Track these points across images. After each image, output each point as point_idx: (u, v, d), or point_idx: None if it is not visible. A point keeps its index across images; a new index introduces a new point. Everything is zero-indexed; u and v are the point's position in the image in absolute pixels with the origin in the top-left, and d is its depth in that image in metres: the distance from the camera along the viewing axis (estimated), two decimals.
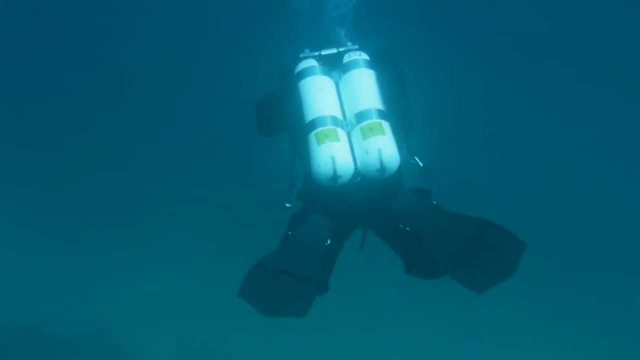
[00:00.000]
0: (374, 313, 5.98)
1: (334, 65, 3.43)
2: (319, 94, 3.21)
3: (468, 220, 2.83)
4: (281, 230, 3.25)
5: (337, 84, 3.33)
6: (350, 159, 3.01)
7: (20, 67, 8.37)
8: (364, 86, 3.24)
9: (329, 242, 3.05)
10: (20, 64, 8.35)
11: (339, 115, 3.16)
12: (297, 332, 6.13)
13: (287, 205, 3.31)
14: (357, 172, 3.03)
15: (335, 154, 2.97)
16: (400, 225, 3.06)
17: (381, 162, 2.97)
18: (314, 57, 3.51)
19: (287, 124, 3.40)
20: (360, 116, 3.11)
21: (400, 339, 6.18)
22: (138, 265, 7.22)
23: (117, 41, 8.11)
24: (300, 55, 3.54)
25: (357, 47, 3.60)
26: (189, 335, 6.72)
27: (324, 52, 3.58)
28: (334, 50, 3.58)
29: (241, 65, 7.10)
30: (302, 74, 3.30)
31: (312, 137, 3.06)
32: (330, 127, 3.06)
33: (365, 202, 3.11)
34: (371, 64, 3.36)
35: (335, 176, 2.97)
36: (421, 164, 3.27)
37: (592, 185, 6.34)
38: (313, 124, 3.09)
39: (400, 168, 3.08)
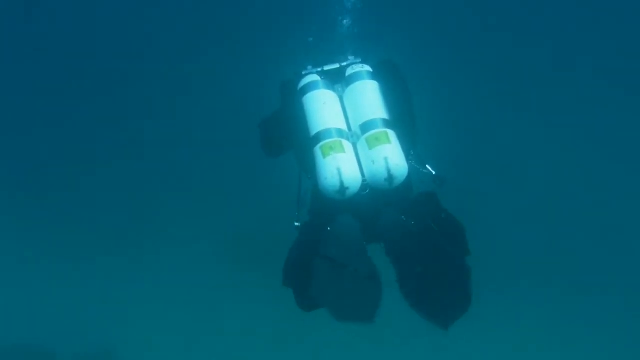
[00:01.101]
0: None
1: (337, 80, 3.45)
2: (323, 107, 3.21)
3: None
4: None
5: (340, 97, 3.34)
6: (356, 169, 2.98)
7: (18, 75, 8.40)
8: (367, 97, 3.24)
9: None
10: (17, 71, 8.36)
11: (344, 127, 3.16)
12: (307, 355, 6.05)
13: (296, 224, 3.25)
14: (365, 184, 3.00)
15: (341, 166, 2.94)
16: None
17: (388, 171, 2.94)
18: (316, 72, 3.54)
19: (292, 142, 3.40)
20: (366, 127, 3.10)
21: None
22: (144, 283, 7.14)
23: (122, 51, 8.16)
24: (303, 72, 3.56)
25: (359, 60, 3.62)
26: (194, 355, 6.64)
27: (326, 68, 3.60)
28: (337, 65, 3.61)
29: (249, 78, 7.11)
30: (305, 89, 3.31)
31: (317, 150, 3.05)
32: (335, 139, 3.05)
33: (376, 214, 3.06)
34: (374, 75, 3.37)
35: (342, 188, 2.93)
36: (433, 172, 3.23)
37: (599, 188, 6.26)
38: (318, 137, 3.08)
39: (409, 177, 3.05)
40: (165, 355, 6.66)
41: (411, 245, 2.93)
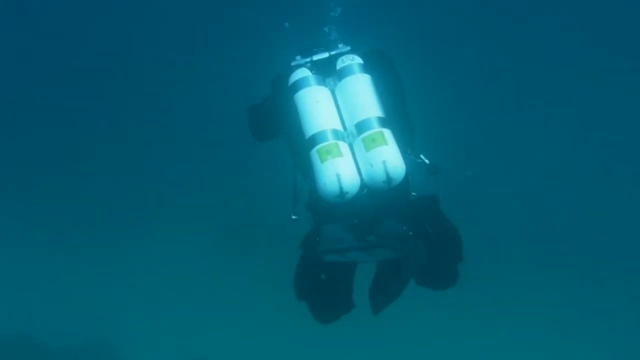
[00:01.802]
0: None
1: (328, 71, 3.32)
2: (316, 106, 3.10)
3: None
4: (287, 240, 3.22)
5: (332, 92, 3.23)
6: (355, 173, 2.93)
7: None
8: (361, 93, 3.14)
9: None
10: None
11: (339, 127, 3.07)
12: (304, 345, 6.12)
13: (293, 217, 3.23)
14: (363, 185, 2.95)
15: (340, 171, 2.89)
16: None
17: (387, 174, 2.90)
18: (306, 64, 3.40)
19: (283, 133, 3.35)
20: (361, 126, 3.02)
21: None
22: (137, 273, 7.10)
23: (119, 46, 7.89)
24: (292, 64, 3.41)
25: (348, 48, 3.48)
26: (188, 345, 6.64)
27: (315, 58, 3.45)
28: (326, 55, 3.46)
29: (243, 66, 6.92)
30: (297, 86, 3.19)
31: (314, 154, 2.97)
32: (331, 141, 2.97)
33: (374, 211, 3.03)
34: (365, 68, 3.26)
35: (342, 193, 2.89)
36: (427, 162, 3.20)
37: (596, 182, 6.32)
38: (314, 140, 3.00)
39: (407, 173, 3.01)
40: (157, 346, 6.67)
41: (404, 255, 2.94)
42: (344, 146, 2.98)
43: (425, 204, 3.07)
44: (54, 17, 8.30)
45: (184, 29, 7.80)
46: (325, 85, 3.22)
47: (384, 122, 3.03)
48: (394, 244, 2.96)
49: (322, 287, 3.06)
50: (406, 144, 3.14)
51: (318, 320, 3.11)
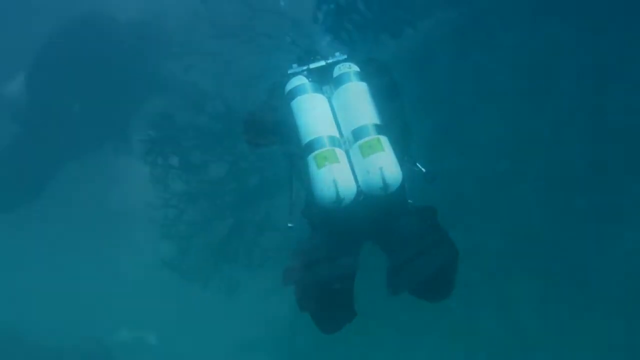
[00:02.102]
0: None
1: (325, 79, 3.37)
2: (313, 113, 3.15)
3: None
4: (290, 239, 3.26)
5: (329, 99, 3.27)
6: (352, 179, 2.98)
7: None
8: (358, 101, 3.19)
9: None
10: None
11: (336, 134, 3.11)
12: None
13: (289, 225, 3.26)
14: (360, 191, 3.00)
15: (337, 177, 2.93)
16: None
17: (383, 180, 2.94)
18: (302, 72, 3.45)
19: (279, 140, 3.39)
20: (358, 133, 3.07)
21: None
22: (130, 272, 7.13)
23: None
24: (289, 72, 3.46)
25: (345, 56, 3.53)
26: (187, 346, 6.71)
27: (312, 66, 3.50)
28: (323, 63, 3.51)
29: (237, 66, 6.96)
30: (293, 93, 3.23)
31: (311, 160, 3.01)
32: (328, 148, 3.02)
33: (370, 217, 3.07)
34: (362, 76, 3.30)
35: (338, 199, 2.93)
36: (424, 170, 3.25)
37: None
38: (311, 146, 3.04)
39: (403, 180, 3.05)
40: (156, 347, 6.72)
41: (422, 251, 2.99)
42: (340, 153, 3.03)
43: (424, 215, 3.11)
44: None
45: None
46: (322, 93, 3.27)
47: (380, 129, 3.08)
48: (415, 240, 2.99)
49: (324, 301, 3.08)
50: (403, 151, 3.18)
51: (322, 331, 3.14)
